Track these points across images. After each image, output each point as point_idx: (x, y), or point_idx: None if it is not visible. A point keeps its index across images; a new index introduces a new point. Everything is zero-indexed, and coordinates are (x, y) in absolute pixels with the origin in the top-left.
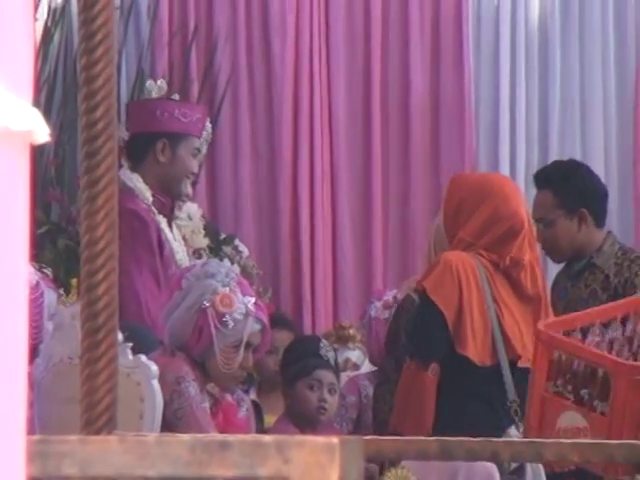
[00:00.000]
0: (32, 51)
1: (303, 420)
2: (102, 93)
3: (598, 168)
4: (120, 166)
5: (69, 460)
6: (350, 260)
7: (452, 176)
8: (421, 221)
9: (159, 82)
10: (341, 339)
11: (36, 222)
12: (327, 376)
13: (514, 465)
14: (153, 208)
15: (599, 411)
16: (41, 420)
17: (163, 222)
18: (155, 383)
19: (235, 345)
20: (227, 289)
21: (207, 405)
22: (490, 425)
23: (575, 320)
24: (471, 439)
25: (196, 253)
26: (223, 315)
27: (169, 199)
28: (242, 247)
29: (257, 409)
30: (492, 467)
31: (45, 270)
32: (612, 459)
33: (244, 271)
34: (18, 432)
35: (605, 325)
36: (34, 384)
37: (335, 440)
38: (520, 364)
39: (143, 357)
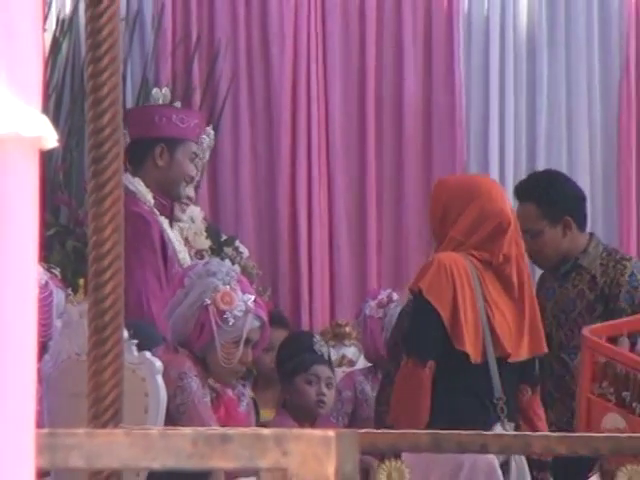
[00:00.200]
0: (41, 60)
1: (302, 414)
2: (108, 101)
3: (583, 172)
4: (125, 170)
5: (77, 452)
6: (346, 260)
7: (436, 180)
8: (414, 223)
9: (164, 90)
10: (337, 336)
11: (45, 224)
12: (324, 371)
13: (500, 460)
14: (155, 210)
15: (637, 413)
16: (50, 414)
17: (165, 223)
18: (159, 379)
19: (235, 341)
20: (228, 287)
21: (208, 399)
22: (480, 421)
23: (622, 326)
24: (461, 432)
25: (198, 254)
26: (224, 312)
27: (169, 201)
28: (242, 248)
29: (253, 404)
30: (494, 460)
31: (54, 270)
32: (598, 452)
33: (244, 271)
34: (28, 425)
35: None
36: (43, 379)
37: (331, 433)
38: (511, 360)
39: (148, 353)
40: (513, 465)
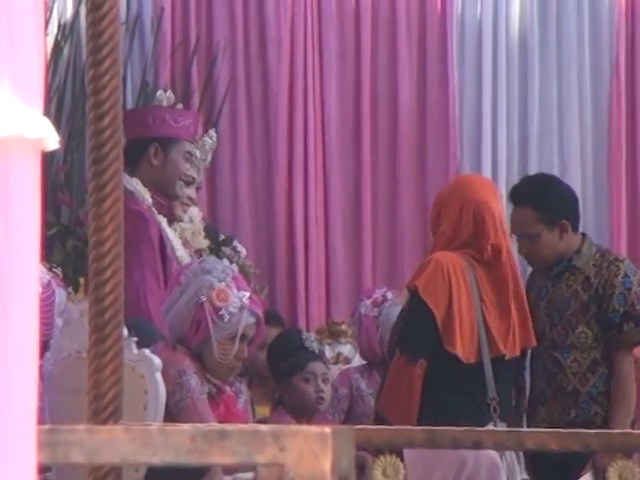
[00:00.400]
0: (43, 64)
1: (301, 411)
2: (109, 103)
3: (575, 174)
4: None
5: (77, 448)
6: (341, 260)
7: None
8: (408, 224)
9: (168, 93)
10: (333, 334)
11: (46, 224)
12: (319, 367)
13: None
14: (153, 209)
15: None
16: (51, 410)
17: (163, 221)
18: (158, 376)
19: (231, 337)
20: (223, 284)
21: (205, 396)
22: (473, 421)
23: None
24: (455, 428)
25: (197, 253)
26: (219, 309)
27: (167, 200)
28: (240, 248)
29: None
30: (495, 456)
31: (55, 269)
32: (588, 447)
33: (242, 270)
34: (29, 421)
35: None
36: (44, 376)
37: (327, 429)
38: (507, 357)
39: (147, 351)
40: (504, 462)
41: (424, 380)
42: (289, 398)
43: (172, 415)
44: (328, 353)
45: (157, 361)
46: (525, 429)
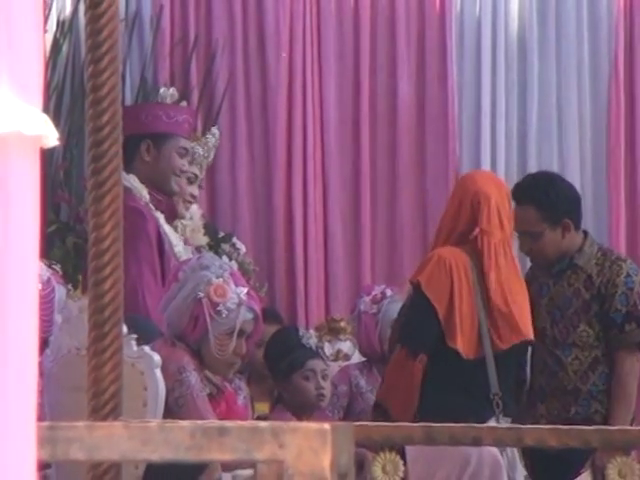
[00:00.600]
0: (42, 61)
1: (302, 409)
2: (108, 100)
3: (574, 172)
4: None
5: (77, 445)
6: (340, 258)
7: None
8: (407, 221)
9: (171, 90)
10: (333, 331)
11: (46, 221)
12: (318, 364)
13: None
14: (151, 205)
15: None
16: (50, 407)
17: (161, 218)
18: (158, 372)
19: (229, 333)
20: (221, 280)
21: (205, 393)
22: (473, 416)
23: None
24: (454, 425)
25: (197, 250)
26: (217, 305)
27: (164, 196)
28: (239, 245)
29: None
30: (497, 453)
31: (55, 267)
32: (588, 444)
33: (241, 267)
34: (29, 418)
35: None
36: (44, 373)
37: (327, 426)
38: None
39: (147, 348)
40: (505, 458)
41: (425, 376)
42: (289, 396)
43: (172, 412)
44: (327, 350)
45: (156, 358)
46: (525, 426)
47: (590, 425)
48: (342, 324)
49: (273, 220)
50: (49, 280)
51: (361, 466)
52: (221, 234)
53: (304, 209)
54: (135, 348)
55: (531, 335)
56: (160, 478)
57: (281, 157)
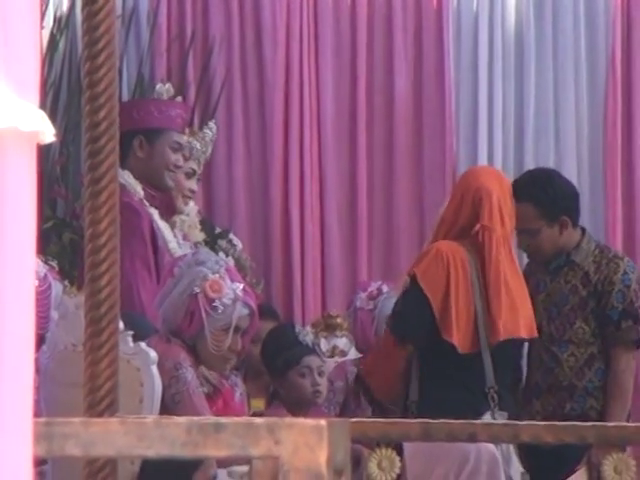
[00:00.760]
0: (39, 57)
1: (298, 406)
2: (105, 96)
3: (571, 168)
4: None
5: (73, 441)
6: (337, 254)
7: None
8: (404, 217)
9: (167, 85)
10: (329, 327)
11: (42, 217)
12: (314, 361)
13: None
14: (145, 201)
15: None
16: (47, 403)
17: (155, 214)
18: (154, 369)
19: (224, 329)
20: (217, 276)
21: (201, 390)
22: (469, 410)
23: None
24: (451, 421)
25: (195, 247)
26: (213, 300)
27: (158, 192)
28: (236, 241)
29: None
30: (494, 449)
31: (51, 263)
32: (584, 440)
33: (238, 263)
34: (25, 414)
35: None
36: (40, 370)
37: (323, 422)
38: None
39: (143, 344)
40: (499, 452)
41: (421, 370)
42: (285, 393)
43: (168, 408)
44: (324, 346)
45: (153, 354)
46: (521, 422)
47: (585, 422)
48: (338, 320)
49: (270, 216)
50: (46, 276)
51: (357, 462)
52: (218, 230)
53: (301, 205)
54: (131, 344)
55: (530, 331)
56: (156, 474)
57: (278, 153)
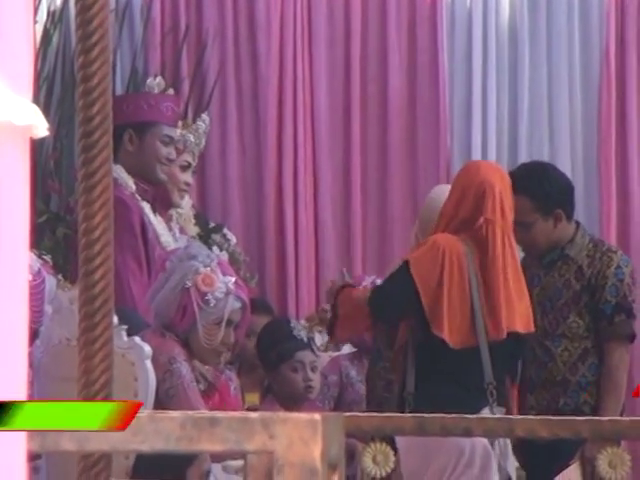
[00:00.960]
0: (32, 52)
1: (290, 400)
2: (98, 90)
3: (565, 162)
4: None
5: (67, 436)
6: (331, 248)
7: None
8: (398, 212)
9: (158, 79)
10: (323, 321)
11: (36, 212)
12: (307, 356)
13: None
14: (137, 195)
15: None
16: (40, 398)
17: (147, 207)
18: (148, 363)
19: (217, 322)
20: (208, 269)
21: (195, 384)
22: (466, 406)
23: None
24: (445, 415)
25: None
26: (205, 294)
27: (151, 186)
28: (230, 235)
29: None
30: (487, 443)
31: (45, 257)
32: (579, 435)
33: (232, 258)
34: None
35: None
36: (34, 364)
37: (317, 417)
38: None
39: (137, 339)
40: (496, 448)
41: (417, 365)
42: (278, 388)
43: (162, 402)
44: (318, 340)
45: (147, 349)
46: (515, 416)
47: (579, 416)
48: None
49: (264, 210)
50: (39, 271)
51: (352, 457)
52: (212, 224)
53: (295, 199)
54: (126, 339)
55: (526, 325)
56: (150, 469)
57: (272, 147)
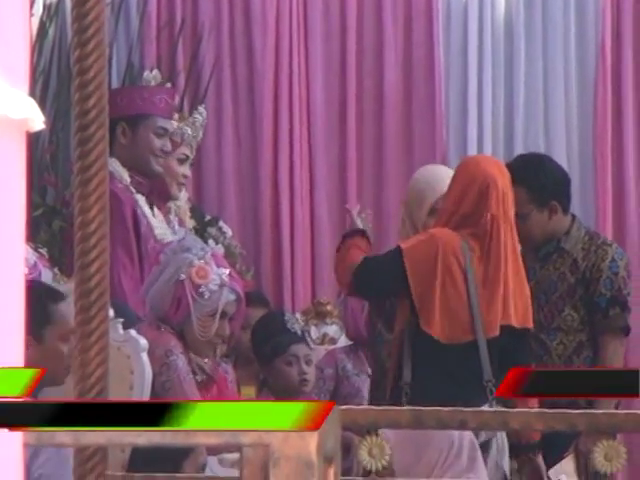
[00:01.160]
0: (28, 45)
1: (285, 394)
2: (94, 84)
3: (561, 156)
4: None
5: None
6: (327, 241)
7: None
8: (394, 207)
9: (154, 72)
10: (319, 315)
11: (32, 205)
12: (302, 349)
13: (481, 440)
14: (131, 188)
15: None
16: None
17: (141, 200)
18: (144, 356)
19: (211, 314)
20: (202, 262)
21: (191, 376)
22: (465, 403)
23: None
24: (441, 408)
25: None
26: (199, 286)
27: (146, 178)
28: (226, 228)
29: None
30: (473, 436)
31: (41, 250)
32: (574, 427)
33: (228, 251)
34: None
35: None
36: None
37: None
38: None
39: (133, 332)
40: (494, 444)
41: (414, 361)
42: (273, 381)
43: (158, 395)
44: (314, 334)
45: (143, 342)
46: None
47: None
48: (328, 307)
49: (259, 203)
50: (35, 264)
51: (347, 450)
52: (207, 218)
53: (290, 192)
54: (121, 332)
55: (523, 320)
56: (146, 462)
57: (267, 140)
